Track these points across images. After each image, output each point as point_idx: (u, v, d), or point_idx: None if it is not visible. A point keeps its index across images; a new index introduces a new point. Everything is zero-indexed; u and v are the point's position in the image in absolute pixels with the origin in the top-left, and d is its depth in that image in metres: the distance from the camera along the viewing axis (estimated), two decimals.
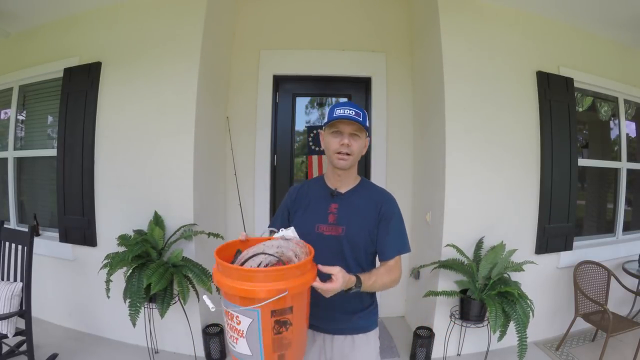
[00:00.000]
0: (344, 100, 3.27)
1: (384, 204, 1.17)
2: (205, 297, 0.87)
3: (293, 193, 1.27)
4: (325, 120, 1.16)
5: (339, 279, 0.91)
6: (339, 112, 1.10)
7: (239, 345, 0.87)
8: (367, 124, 1.14)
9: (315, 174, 3.20)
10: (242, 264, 0.89)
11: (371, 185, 1.26)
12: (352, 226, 1.14)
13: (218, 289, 0.88)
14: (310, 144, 3.20)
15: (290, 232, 1.01)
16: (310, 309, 0.98)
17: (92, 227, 2.58)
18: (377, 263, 1.20)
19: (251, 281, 0.81)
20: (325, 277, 0.93)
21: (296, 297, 0.86)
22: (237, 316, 0.84)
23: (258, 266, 0.88)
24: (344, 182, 1.20)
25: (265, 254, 0.91)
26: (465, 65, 2.47)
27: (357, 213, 1.15)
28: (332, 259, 1.02)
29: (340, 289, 0.92)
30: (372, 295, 1.23)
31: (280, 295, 0.80)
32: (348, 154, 1.12)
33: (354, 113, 1.09)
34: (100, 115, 2.55)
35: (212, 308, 0.85)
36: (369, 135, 1.26)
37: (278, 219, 1.26)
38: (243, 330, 0.85)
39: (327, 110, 3.29)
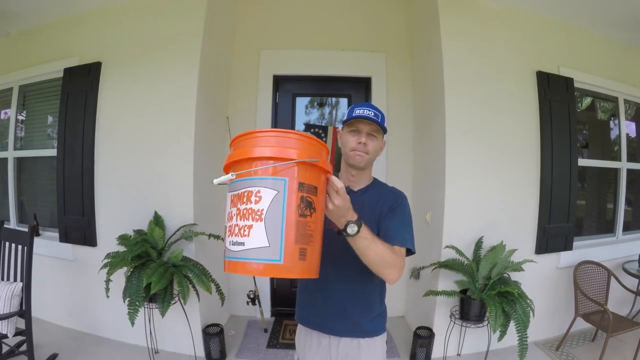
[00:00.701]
0: (344, 100, 3.28)
1: (394, 198, 1.18)
2: (215, 180, 0.81)
3: None
4: (345, 118, 1.17)
5: (345, 194, 0.88)
6: (358, 111, 1.12)
7: (252, 235, 0.77)
8: (385, 126, 1.15)
9: None
10: None
11: (384, 184, 1.26)
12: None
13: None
14: None
15: None
16: (320, 308, 0.93)
17: (92, 227, 2.58)
18: None
19: (285, 146, 0.80)
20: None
21: (319, 180, 0.83)
22: (258, 191, 0.77)
23: None
24: (358, 182, 1.21)
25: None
26: (465, 67, 2.47)
27: (368, 209, 1.15)
28: (343, 256, 1.02)
29: (345, 204, 0.88)
30: (382, 300, 1.24)
31: (313, 160, 0.79)
32: (364, 153, 1.13)
33: (373, 114, 1.11)
34: (100, 115, 2.55)
35: (233, 175, 0.79)
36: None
37: None
38: (263, 210, 0.76)
39: (327, 110, 3.36)
